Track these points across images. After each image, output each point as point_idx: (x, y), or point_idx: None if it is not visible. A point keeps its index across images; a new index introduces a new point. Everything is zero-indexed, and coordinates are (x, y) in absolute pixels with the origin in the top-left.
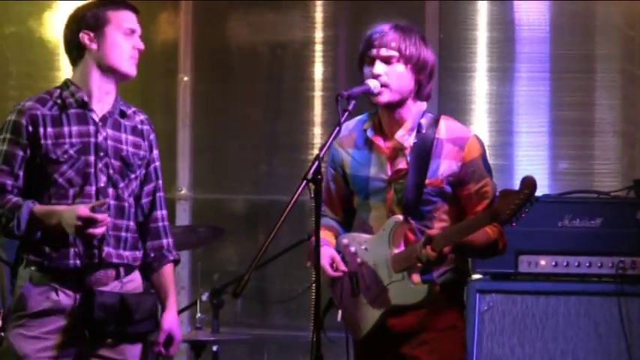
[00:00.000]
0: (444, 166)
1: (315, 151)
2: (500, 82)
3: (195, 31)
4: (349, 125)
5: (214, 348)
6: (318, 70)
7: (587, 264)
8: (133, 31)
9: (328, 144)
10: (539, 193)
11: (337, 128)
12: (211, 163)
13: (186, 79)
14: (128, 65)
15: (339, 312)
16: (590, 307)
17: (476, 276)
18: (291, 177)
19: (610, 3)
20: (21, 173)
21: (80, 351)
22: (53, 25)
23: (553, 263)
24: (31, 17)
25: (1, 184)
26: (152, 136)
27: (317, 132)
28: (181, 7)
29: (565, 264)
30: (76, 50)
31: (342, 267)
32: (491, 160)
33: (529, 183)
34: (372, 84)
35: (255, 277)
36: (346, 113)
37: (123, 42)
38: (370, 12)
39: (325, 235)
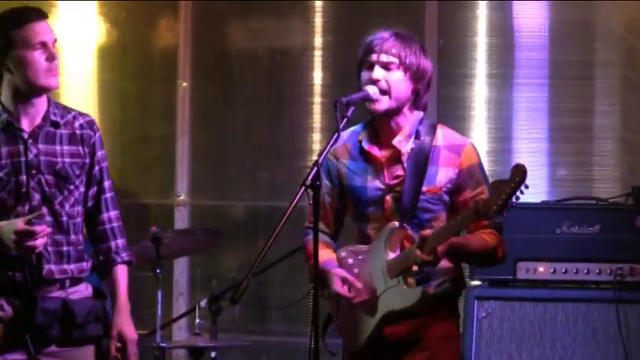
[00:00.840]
0: (442, 173)
1: (314, 158)
2: (500, 88)
3: (194, 36)
4: (343, 136)
5: (212, 354)
6: (318, 76)
7: (586, 271)
8: (44, 43)
9: (327, 150)
10: (537, 199)
11: (336, 135)
12: (210, 169)
13: (185, 84)
14: (46, 80)
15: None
16: (588, 314)
17: (474, 282)
18: (290, 183)
19: (609, 10)
20: None
21: (24, 359)
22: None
23: (551, 270)
24: None
25: None
26: (94, 139)
27: (316, 138)
28: (181, 13)
29: (563, 271)
30: None
31: (357, 284)
32: (490, 167)
33: (519, 171)
34: (371, 90)
35: (254, 283)
36: (345, 120)
37: (35, 59)
38: (369, 18)
39: (327, 254)
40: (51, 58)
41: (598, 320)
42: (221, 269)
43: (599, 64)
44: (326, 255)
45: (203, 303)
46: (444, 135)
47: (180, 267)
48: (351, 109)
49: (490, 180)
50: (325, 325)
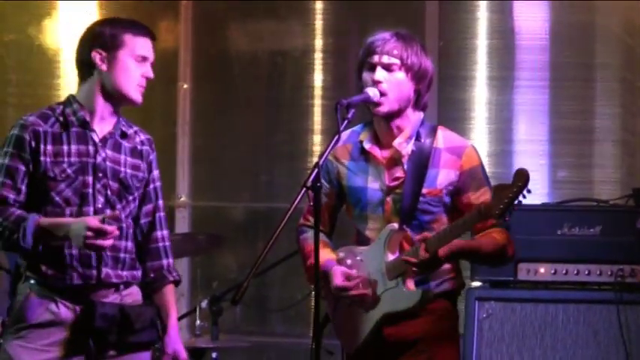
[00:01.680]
0: (443, 175)
1: (315, 159)
2: (500, 90)
3: (194, 39)
4: (343, 137)
5: (213, 355)
6: (318, 79)
7: (587, 272)
8: (145, 59)
9: (327, 152)
10: (538, 201)
11: (336, 136)
12: (211, 171)
13: (185, 86)
14: (134, 92)
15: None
16: (589, 315)
17: (475, 283)
18: (291, 185)
19: (610, 12)
20: (23, 188)
21: None
22: (53, 33)
23: (552, 271)
24: (31, 25)
25: (4, 197)
26: (152, 157)
27: (316, 140)
28: (181, 15)
29: (564, 272)
30: (85, 66)
31: (358, 279)
32: (490, 169)
33: (521, 176)
34: (372, 92)
35: (255, 284)
36: (345, 122)
37: (133, 68)
38: (370, 20)
39: (327, 254)
40: (146, 74)
41: (599, 321)
42: (222, 270)
43: (599, 66)
44: (326, 255)
45: (204, 304)
46: (444, 137)
47: (181, 268)
48: (352, 111)
49: (491, 182)
50: (323, 324)
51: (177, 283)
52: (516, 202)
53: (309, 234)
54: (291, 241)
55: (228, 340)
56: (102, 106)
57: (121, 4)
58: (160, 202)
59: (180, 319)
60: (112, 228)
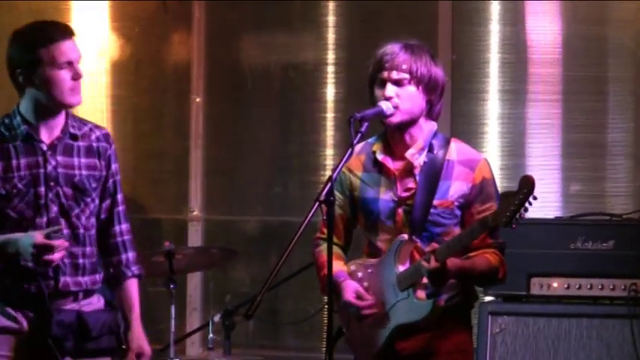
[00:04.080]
0: (455, 187)
1: (328, 173)
2: (513, 103)
3: (207, 52)
4: (357, 148)
5: None
6: (330, 92)
7: (600, 286)
8: (70, 63)
9: (341, 165)
10: (551, 215)
11: (350, 150)
12: (223, 184)
13: (198, 100)
14: (70, 98)
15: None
16: (602, 330)
17: (488, 298)
18: (304, 198)
19: (622, 26)
20: None
21: None
22: None
23: (565, 285)
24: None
25: None
26: (110, 151)
27: (329, 153)
28: (194, 29)
29: (577, 286)
30: (16, 84)
31: (368, 297)
32: (503, 183)
33: (527, 182)
34: (385, 106)
35: (268, 298)
36: (359, 135)
37: (60, 78)
38: (382, 34)
39: (339, 266)
40: (76, 77)
41: (612, 336)
42: (234, 284)
43: (612, 79)
44: (338, 267)
45: (217, 318)
46: (458, 149)
47: (194, 282)
48: (365, 124)
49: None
50: (335, 338)
51: (139, 277)
52: (523, 209)
53: (324, 246)
54: (304, 255)
55: (240, 354)
56: (43, 116)
57: (134, 18)
58: (119, 196)
59: (192, 333)
60: (59, 242)
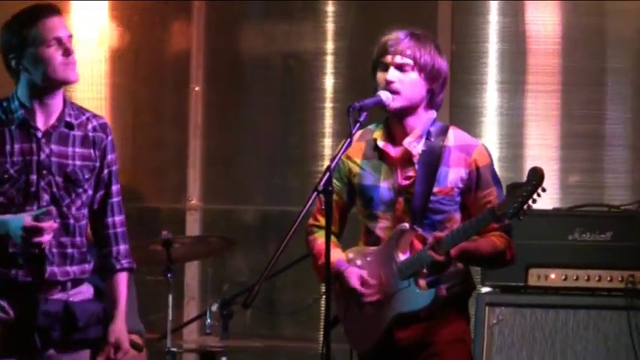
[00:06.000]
0: (453, 173)
1: (326, 163)
2: (511, 94)
3: (207, 41)
4: (357, 135)
5: (223, 359)
6: (330, 81)
7: (597, 278)
8: (59, 39)
9: (339, 155)
10: (549, 206)
11: (348, 140)
12: (222, 174)
13: (197, 89)
14: (62, 72)
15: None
16: (599, 321)
17: (485, 289)
18: (302, 188)
19: (622, 16)
20: None
21: None
22: None
23: (563, 277)
24: None
25: None
26: (106, 141)
27: (327, 143)
28: (193, 17)
29: (575, 277)
30: (10, 71)
31: (373, 283)
32: (501, 173)
33: (536, 174)
34: (384, 95)
35: (265, 287)
36: (358, 125)
37: (52, 55)
38: (382, 23)
39: (337, 254)
40: (67, 53)
41: (609, 327)
42: (232, 273)
43: (610, 70)
44: (337, 255)
45: (214, 307)
46: (455, 136)
47: (192, 271)
48: (364, 114)
49: (502, 190)
50: (332, 325)
51: (129, 270)
52: (531, 201)
53: (318, 234)
54: (302, 244)
55: (238, 341)
56: (39, 100)
57: (133, 6)
58: (115, 187)
59: (190, 322)
60: (47, 224)
